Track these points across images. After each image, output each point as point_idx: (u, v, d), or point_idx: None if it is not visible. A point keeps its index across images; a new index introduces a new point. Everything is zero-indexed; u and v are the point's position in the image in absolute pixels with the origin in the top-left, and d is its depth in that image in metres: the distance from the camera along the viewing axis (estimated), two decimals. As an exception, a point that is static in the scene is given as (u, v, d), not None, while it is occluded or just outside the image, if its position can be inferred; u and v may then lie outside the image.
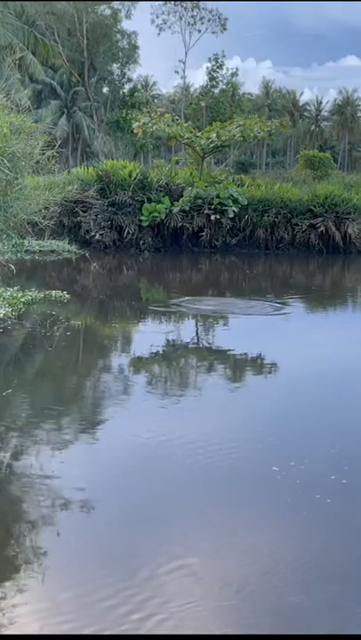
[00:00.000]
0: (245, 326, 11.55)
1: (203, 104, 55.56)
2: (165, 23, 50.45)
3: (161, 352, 9.44)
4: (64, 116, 42.56)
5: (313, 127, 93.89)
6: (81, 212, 20.05)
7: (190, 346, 10.04)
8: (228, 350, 9.84)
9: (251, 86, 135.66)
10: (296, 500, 4.91)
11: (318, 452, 5.78)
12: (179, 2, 49.88)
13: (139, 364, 8.85)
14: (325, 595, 3.85)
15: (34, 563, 4.17)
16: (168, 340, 10.22)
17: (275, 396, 7.73)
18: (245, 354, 9.44)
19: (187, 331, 11.39)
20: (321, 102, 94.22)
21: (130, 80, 49.01)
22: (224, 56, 56.30)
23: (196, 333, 11.24)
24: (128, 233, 20.14)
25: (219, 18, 50.06)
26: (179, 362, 9.15)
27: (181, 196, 20.31)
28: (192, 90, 70.35)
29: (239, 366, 9.01)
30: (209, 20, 50.16)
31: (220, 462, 5.48)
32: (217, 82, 56.13)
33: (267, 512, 4.87)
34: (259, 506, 4.94)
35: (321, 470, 5.39)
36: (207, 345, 10.41)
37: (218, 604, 3.73)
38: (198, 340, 10.65)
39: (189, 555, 4.20)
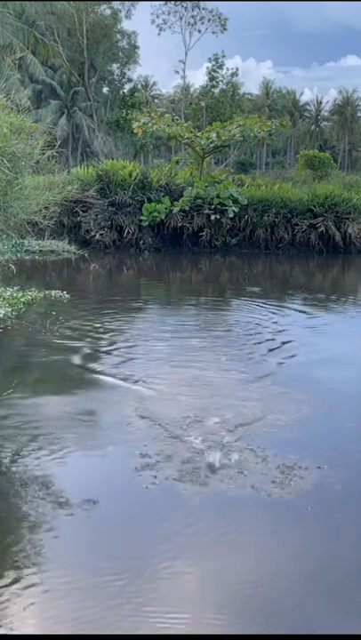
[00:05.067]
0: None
1: (203, 104, 55.59)
2: (166, 23, 50.61)
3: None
4: (64, 116, 42.59)
5: (313, 127, 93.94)
6: (81, 212, 20.06)
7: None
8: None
9: (251, 86, 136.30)
10: None
11: None
12: (179, 2, 49.97)
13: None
14: None
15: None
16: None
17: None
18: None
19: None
20: (321, 102, 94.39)
21: (130, 80, 49.06)
22: (224, 56, 56.55)
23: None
24: (128, 233, 20.14)
25: (219, 18, 50.18)
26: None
27: (181, 195, 20.32)
28: (192, 90, 70.44)
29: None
30: (209, 20, 50.30)
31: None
32: (217, 82, 56.18)
33: None
34: None
35: None
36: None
37: None
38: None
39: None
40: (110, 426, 6.47)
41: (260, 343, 9.91)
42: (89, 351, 9.11)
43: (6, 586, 3.90)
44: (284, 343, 9.89)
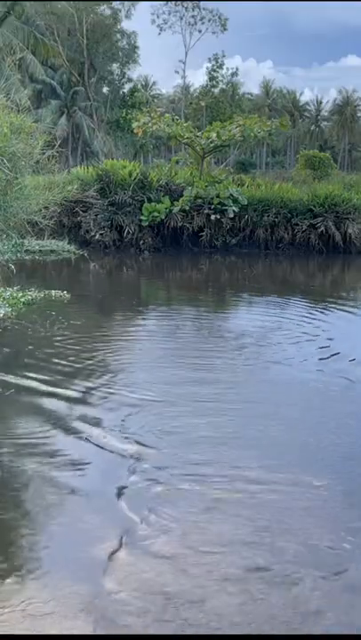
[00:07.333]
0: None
1: (203, 104, 55.65)
2: (166, 23, 50.74)
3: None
4: (64, 115, 42.59)
5: (313, 127, 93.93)
6: (81, 212, 20.06)
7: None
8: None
9: (252, 86, 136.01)
10: None
11: None
12: (179, 2, 50.00)
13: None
14: None
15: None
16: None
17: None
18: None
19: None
20: (321, 102, 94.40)
21: (130, 80, 49.11)
22: (224, 56, 56.71)
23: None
24: (128, 233, 20.13)
25: (219, 18, 50.28)
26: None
27: (181, 195, 20.30)
28: (192, 90, 70.49)
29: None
30: (209, 20, 50.41)
31: None
32: (217, 82, 56.30)
33: None
34: None
35: None
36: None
37: None
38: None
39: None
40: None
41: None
42: (85, 363, 9.06)
43: None
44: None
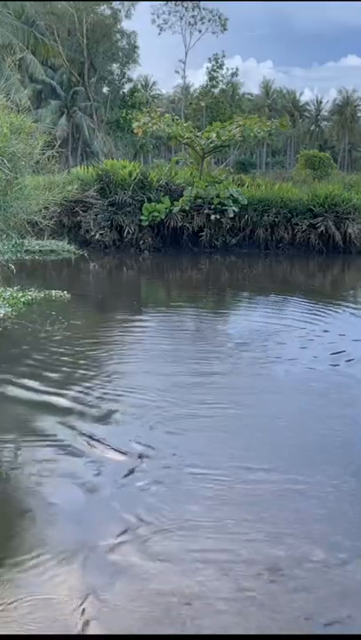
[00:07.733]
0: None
1: (203, 104, 55.64)
2: (166, 23, 50.75)
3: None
4: (64, 115, 42.58)
5: (313, 127, 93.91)
6: (81, 212, 20.06)
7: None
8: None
9: (252, 86, 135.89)
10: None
11: None
12: (179, 2, 50.01)
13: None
14: None
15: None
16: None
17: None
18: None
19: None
20: (321, 102, 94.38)
21: (130, 80, 49.09)
22: (224, 56, 56.70)
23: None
24: (128, 233, 20.13)
25: (219, 18, 50.27)
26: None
27: (181, 195, 20.30)
28: (192, 90, 70.49)
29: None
30: (209, 20, 50.39)
31: None
32: (217, 82, 56.28)
33: None
34: None
35: None
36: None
37: None
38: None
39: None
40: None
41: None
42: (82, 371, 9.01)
43: None
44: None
